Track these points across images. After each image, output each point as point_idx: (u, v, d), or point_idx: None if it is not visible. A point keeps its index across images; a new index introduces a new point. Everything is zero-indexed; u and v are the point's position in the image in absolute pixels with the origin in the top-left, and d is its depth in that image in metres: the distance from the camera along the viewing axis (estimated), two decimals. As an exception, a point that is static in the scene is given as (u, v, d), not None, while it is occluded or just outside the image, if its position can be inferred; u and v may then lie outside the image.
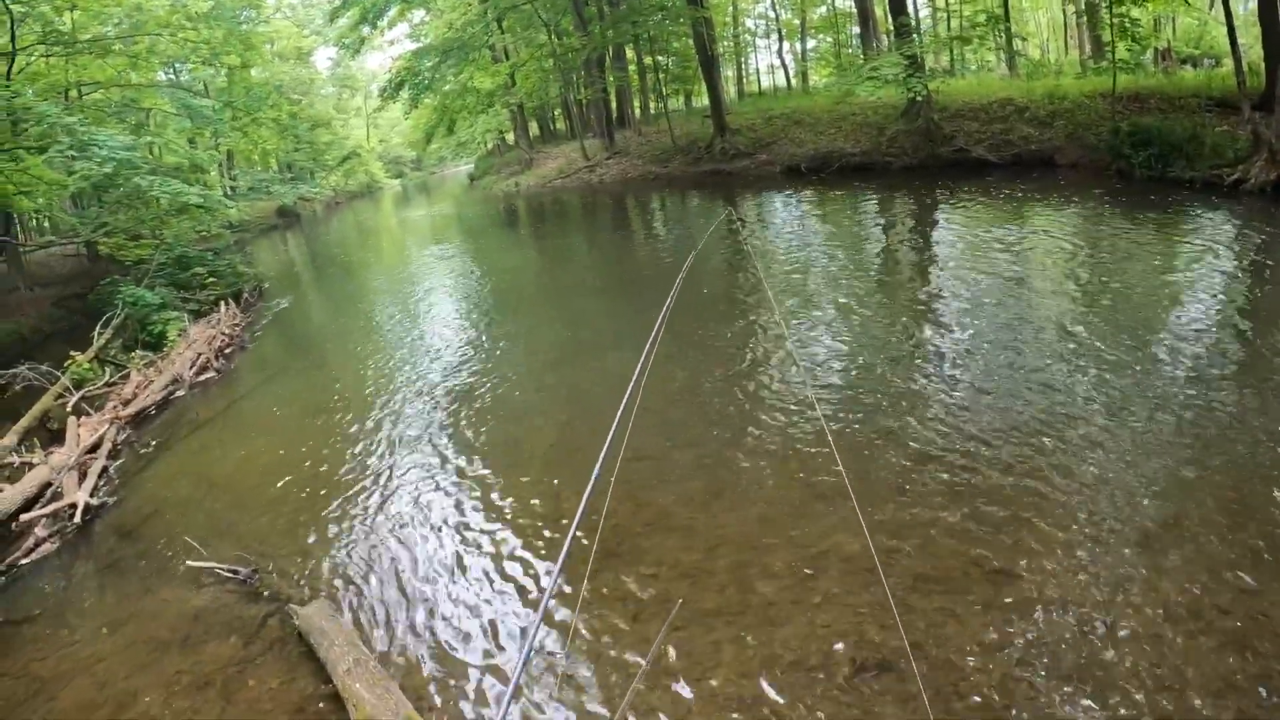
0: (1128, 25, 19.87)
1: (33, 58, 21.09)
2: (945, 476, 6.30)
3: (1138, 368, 7.71)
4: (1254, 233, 12.06)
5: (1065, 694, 4.14)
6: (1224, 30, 19.09)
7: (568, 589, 5.68)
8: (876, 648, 4.62)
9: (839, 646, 4.69)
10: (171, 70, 35.11)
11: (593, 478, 3.58)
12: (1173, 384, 7.28)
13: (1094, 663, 4.30)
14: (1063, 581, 4.91)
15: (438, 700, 4.90)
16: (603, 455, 3.58)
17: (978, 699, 4.19)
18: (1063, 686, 4.18)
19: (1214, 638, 4.35)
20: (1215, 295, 9.52)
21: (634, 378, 4.46)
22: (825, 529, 5.84)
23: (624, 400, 4.30)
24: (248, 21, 34.08)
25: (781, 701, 4.38)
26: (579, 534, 5.51)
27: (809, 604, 5.08)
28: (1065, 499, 5.73)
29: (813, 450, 7.04)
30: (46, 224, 33.11)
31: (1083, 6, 29.27)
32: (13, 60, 18.66)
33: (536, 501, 7.10)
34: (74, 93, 24.36)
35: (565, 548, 3.27)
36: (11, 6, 17.78)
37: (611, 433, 3.94)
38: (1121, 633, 4.47)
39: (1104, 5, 20.58)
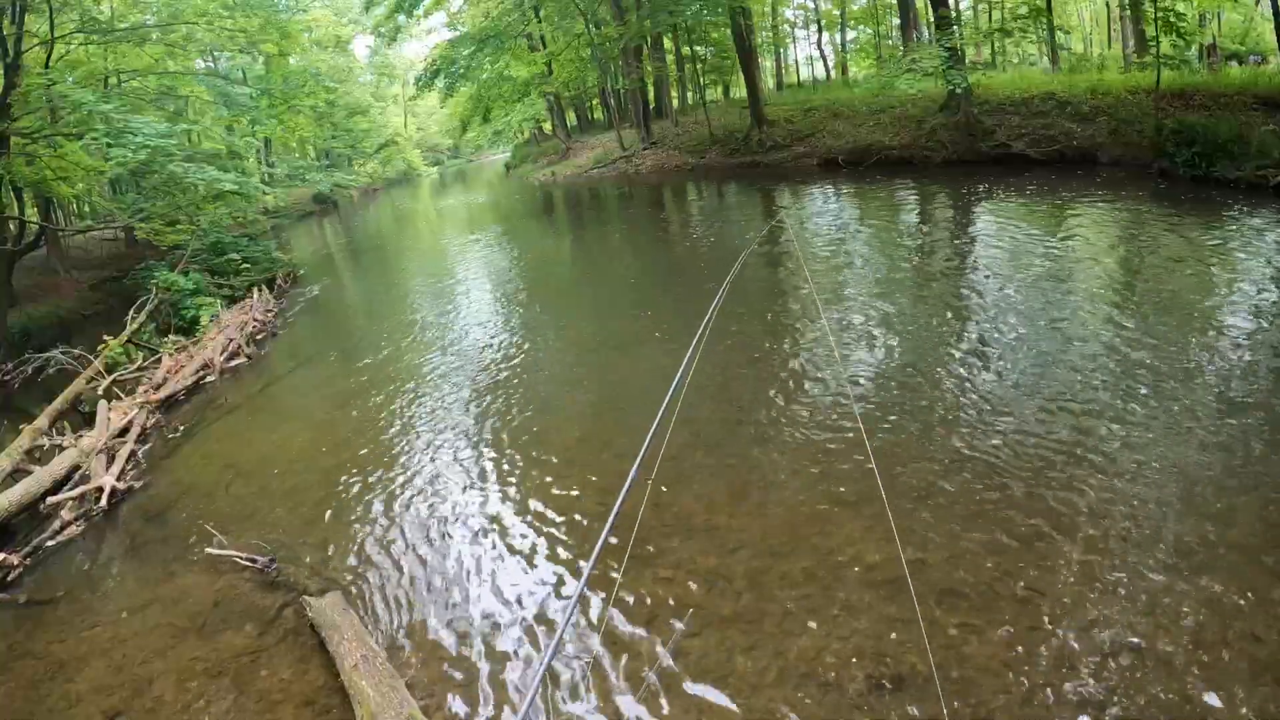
0: (1172, 20, 19.33)
1: (72, 45, 21.36)
2: (977, 487, 6.10)
3: (1180, 380, 7.41)
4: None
5: None
6: (1271, 26, 18.57)
7: (585, 591, 5.62)
8: (894, 663, 4.49)
9: (855, 660, 4.56)
10: (210, 58, 35.44)
11: (627, 483, 3.46)
12: (1216, 398, 6.97)
13: (1122, 690, 4.12)
14: (1093, 602, 4.71)
15: (446, 700, 4.85)
16: (639, 460, 3.47)
17: (998, 720, 4.05)
18: (1088, 713, 4.02)
19: (1248, 666, 4.15)
20: (1261, 305, 9.15)
21: (672, 387, 4.36)
22: (848, 537, 5.70)
23: (662, 406, 4.20)
24: (286, 10, 34.27)
25: (792, 717, 4.28)
26: (611, 538, 5.45)
27: (827, 614, 4.94)
28: (1100, 515, 5.51)
29: (840, 454, 6.88)
30: (86, 209, 33.61)
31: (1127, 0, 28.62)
32: (51, 48, 18.87)
33: (560, 499, 7.03)
34: (113, 80, 24.64)
35: (594, 556, 3.19)
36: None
37: (650, 437, 3.84)
38: (1152, 658, 4.28)
39: (1149, -1, 20.07)
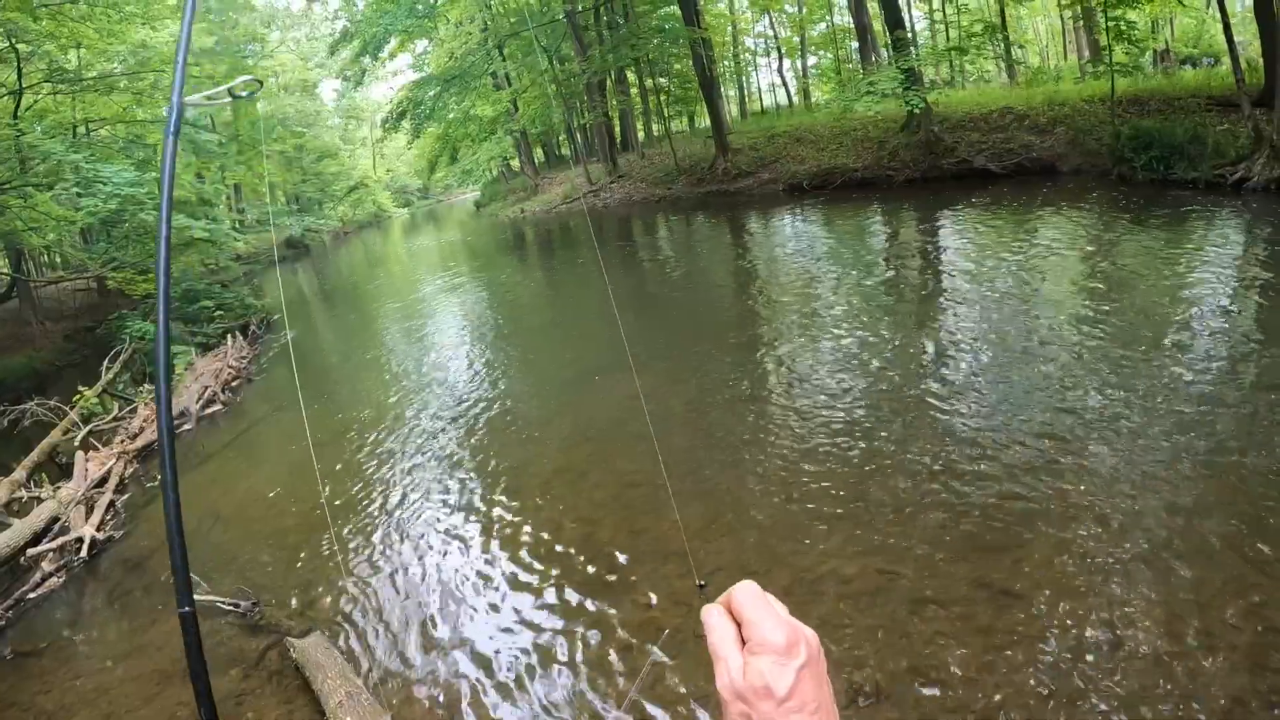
0: (1124, 28, 19.89)
1: (40, 95, 21.40)
2: (948, 497, 6.19)
3: (1147, 383, 7.54)
4: (1259, 231, 11.99)
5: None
6: (1222, 28, 19.12)
7: (560, 615, 5.68)
8: (873, 674, 4.55)
9: (834, 674, 4.59)
10: (178, 105, 35.34)
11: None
12: (1183, 400, 7.09)
13: (1099, 687, 4.17)
14: (1067, 602, 4.78)
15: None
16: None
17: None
18: (1066, 712, 4.07)
19: (1225, 656, 4.21)
20: (1223, 302, 9.37)
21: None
22: (824, 552, 5.77)
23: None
24: (252, 55, 34.47)
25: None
26: (589, 567, 5.45)
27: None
28: (1070, 519, 5.60)
29: (813, 470, 7.00)
30: (58, 259, 33.48)
31: (1079, 11, 29.33)
32: (19, 98, 18.93)
33: (540, 531, 7.05)
34: (81, 129, 24.65)
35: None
36: (18, 45, 18.03)
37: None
38: (1128, 654, 4.34)
39: (1100, 9, 20.61)
